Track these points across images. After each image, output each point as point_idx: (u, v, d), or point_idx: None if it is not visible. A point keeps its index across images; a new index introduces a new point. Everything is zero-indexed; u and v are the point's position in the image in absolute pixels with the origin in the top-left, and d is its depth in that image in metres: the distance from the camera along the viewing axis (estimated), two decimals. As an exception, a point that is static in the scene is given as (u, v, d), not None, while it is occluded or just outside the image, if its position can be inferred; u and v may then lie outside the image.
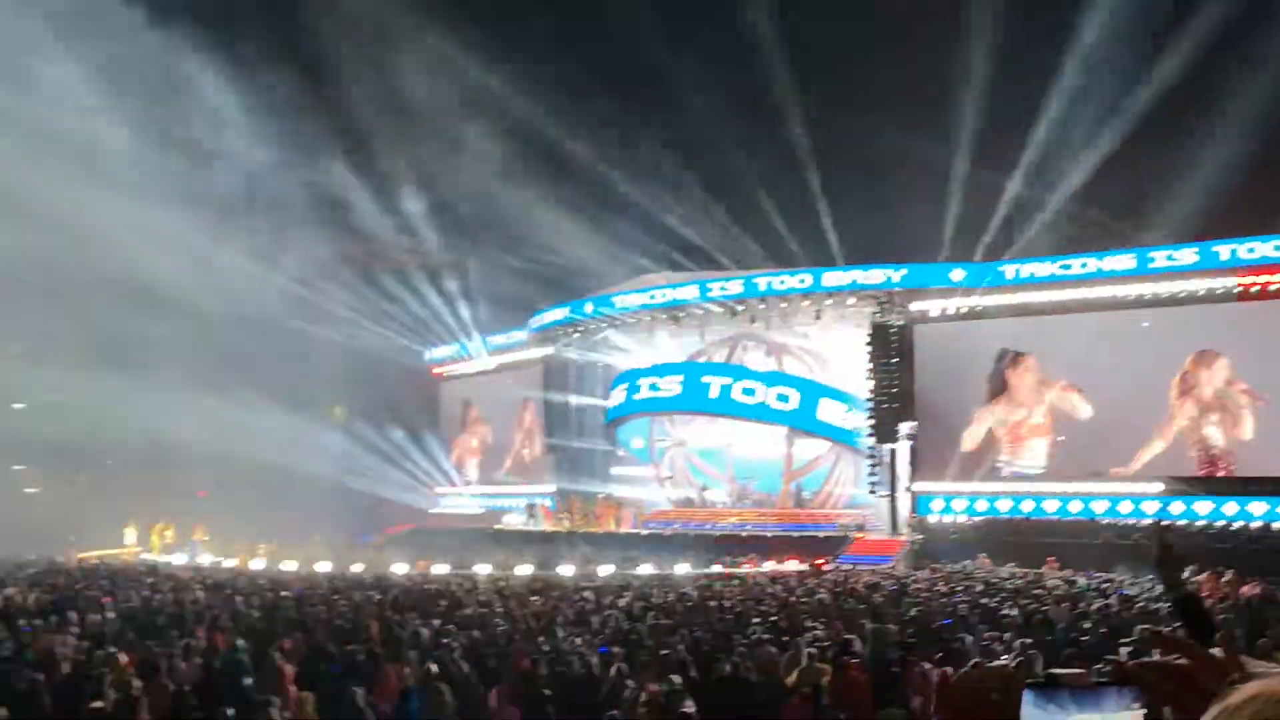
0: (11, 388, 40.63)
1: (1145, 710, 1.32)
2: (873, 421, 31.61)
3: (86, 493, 38.95)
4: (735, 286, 34.20)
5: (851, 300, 32.63)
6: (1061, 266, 29.03)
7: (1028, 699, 1.33)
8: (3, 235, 31.74)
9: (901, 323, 31.47)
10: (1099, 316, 28.31)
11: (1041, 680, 1.36)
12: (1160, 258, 27.84)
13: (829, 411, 34.92)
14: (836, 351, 36.48)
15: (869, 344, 32.02)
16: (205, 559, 31.89)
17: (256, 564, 29.75)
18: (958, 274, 30.46)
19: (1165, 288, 27.64)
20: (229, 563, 30.50)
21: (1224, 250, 26.85)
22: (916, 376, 30.99)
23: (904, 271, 31.34)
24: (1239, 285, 26.65)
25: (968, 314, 30.45)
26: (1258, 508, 26.02)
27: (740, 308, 34.83)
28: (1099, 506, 28.00)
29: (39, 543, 32.07)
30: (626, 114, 33.68)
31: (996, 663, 1.39)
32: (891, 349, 31.37)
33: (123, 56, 32.26)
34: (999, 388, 29.85)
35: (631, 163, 34.65)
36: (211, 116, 35.68)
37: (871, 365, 31.84)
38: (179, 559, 31.96)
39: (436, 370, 47.24)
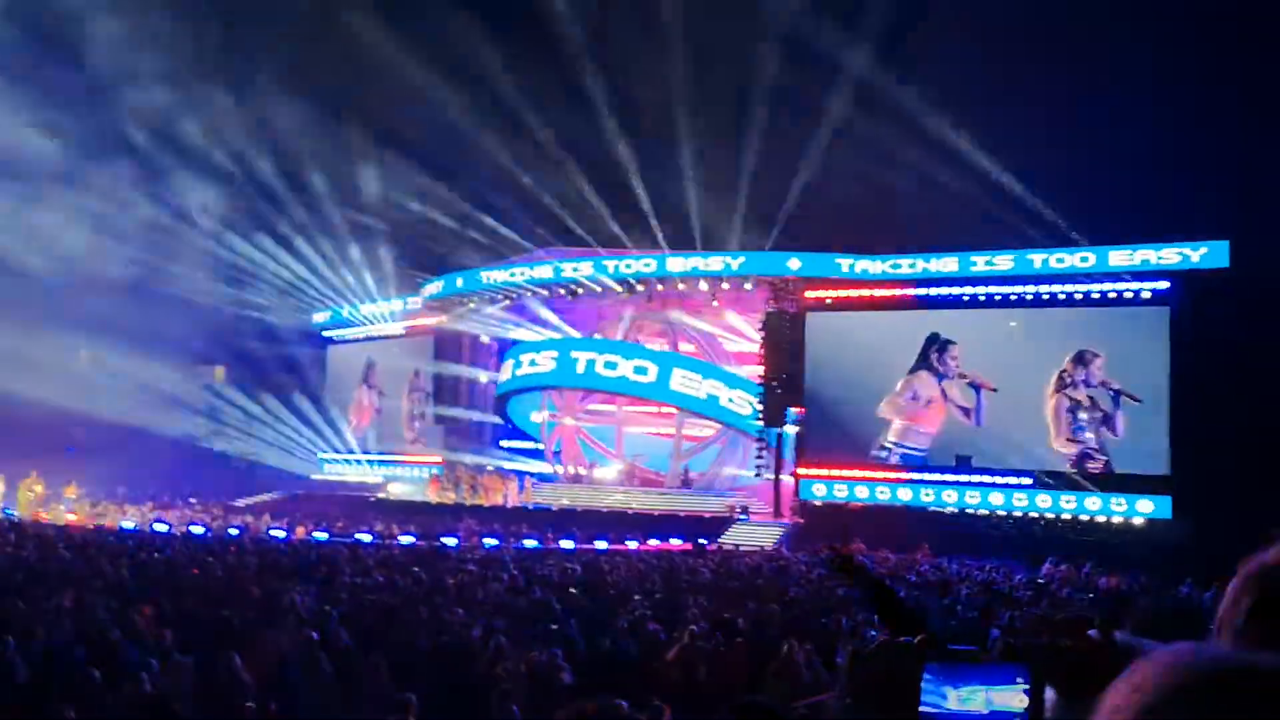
0: None
1: (1029, 686, 1.46)
2: (762, 405, 32.17)
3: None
4: (633, 265, 34.33)
5: (748, 286, 33.09)
6: (959, 263, 30.04)
7: (927, 671, 1.45)
8: None
9: (795, 310, 32.06)
10: (988, 313, 29.45)
11: (939, 654, 1.48)
12: (1038, 260, 29.12)
13: (685, 384, 35.48)
14: (732, 336, 37.05)
15: (762, 329, 32.55)
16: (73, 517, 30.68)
17: (127, 524, 28.76)
18: (853, 264, 31.25)
19: (1047, 289, 28.89)
20: (98, 522, 29.41)
21: (1118, 255, 28.12)
22: (806, 364, 31.64)
23: (799, 261, 31.91)
24: (1115, 291, 28.03)
25: (861, 304, 31.18)
26: (1119, 504, 27.43)
27: (639, 287, 35.03)
28: (972, 497, 29.09)
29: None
30: (527, 82, 33.10)
31: (900, 639, 1.50)
32: (784, 336, 31.93)
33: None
34: (921, 365, 30.52)
35: (537, 132, 34.20)
36: (86, 53, 34.02)
37: (764, 351, 32.40)
38: (50, 516, 30.71)
39: (325, 333, 46.20)
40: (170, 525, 28.45)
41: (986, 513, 28.80)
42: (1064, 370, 28.52)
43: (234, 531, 26.75)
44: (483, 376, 41.06)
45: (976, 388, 29.44)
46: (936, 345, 30.29)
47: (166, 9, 34.57)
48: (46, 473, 34.29)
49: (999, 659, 1.51)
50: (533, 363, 38.26)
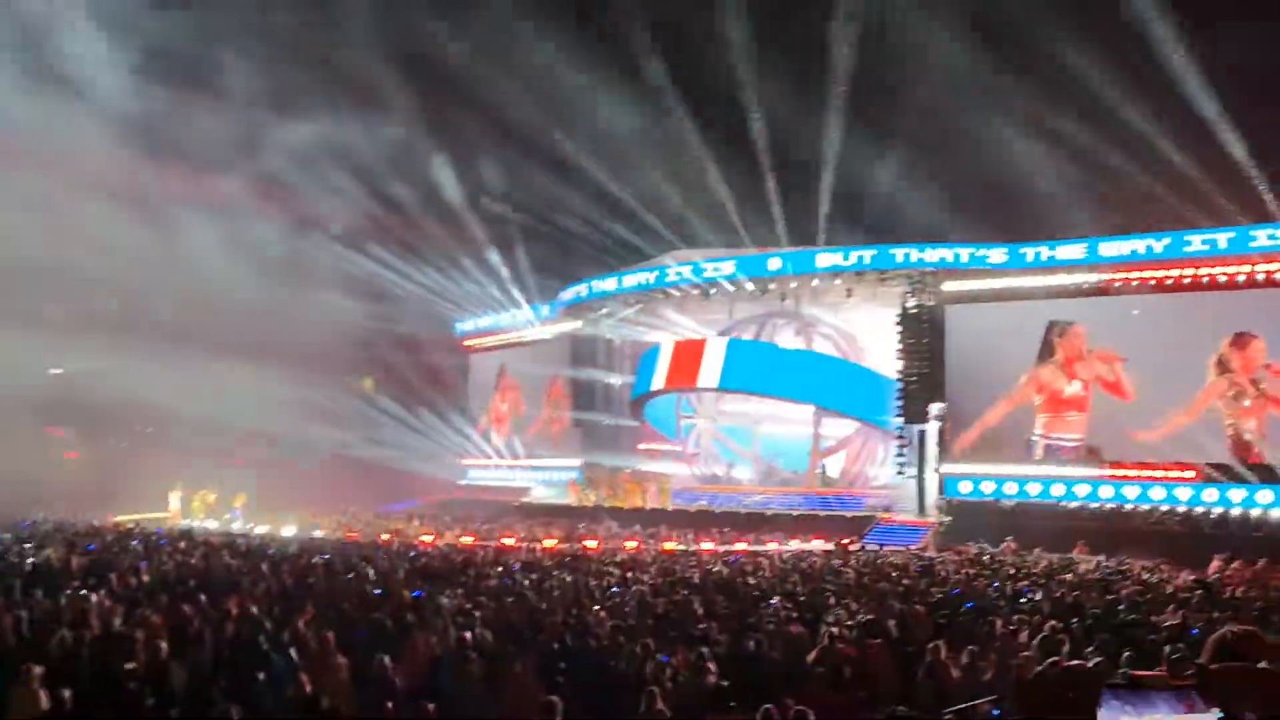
0: (50, 354, 41.23)
1: (1222, 715, 1.30)
2: (902, 402, 31.46)
3: (124, 458, 39.46)
4: (767, 264, 34.05)
5: (883, 280, 32.40)
6: (1096, 248, 28.76)
7: (1106, 698, 1.32)
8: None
9: (933, 303, 31.25)
10: (1133, 299, 28.09)
11: (1122, 681, 1.36)
12: (1196, 241, 27.55)
13: (854, 391, 34.84)
14: (867, 331, 36.33)
15: (899, 324, 31.83)
16: (243, 525, 32.35)
17: (288, 531, 30.12)
18: (995, 255, 30.23)
19: (1203, 272, 27.38)
20: (261, 529, 30.92)
21: (1261, 235, 26.48)
22: (947, 358, 30.81)
23: (938, 252, 31.07)
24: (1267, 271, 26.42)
25: (1002, 295, 30.18)
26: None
27: (771, 285, 34.74)
28: (1130, 492, 27.78)
29: (77, 506, 32.65)
30: (652, 91, 33.26)
31: (1076, 662, 1.39)
32: (922, 330, 31.17)
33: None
34: (1047, 355, 29.50)
35: (658, 139, 34.39)
36: (245, 77, 35.76)
37: (901, 346, 31.68)
38: (219, 525, 32.48)
39: (467, 343, 47.43)
40: (325, 532, 29.66)
41: (1148, 508, 27.43)
42: (1221, 354, 26.94)
43: (385, 537, 27.67)
44: (618, 380, 41.40)
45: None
46: (1057, 330, 29.24)
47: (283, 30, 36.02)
48: (215, 482, 36.30)
49: (1190, 684, 1.35)
50: (669, 366, 38.32)
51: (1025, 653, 9.12)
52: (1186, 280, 27.62)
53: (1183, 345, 27.16)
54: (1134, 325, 27.99)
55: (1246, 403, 26.72)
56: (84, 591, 13.01)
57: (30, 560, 17.26)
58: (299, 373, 39.81)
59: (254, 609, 12.07)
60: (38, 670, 8.18)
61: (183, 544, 21.68)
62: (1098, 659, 6.37)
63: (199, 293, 37.22)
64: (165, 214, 37.32)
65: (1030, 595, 14.08)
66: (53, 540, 21.61)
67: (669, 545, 26.29)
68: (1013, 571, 18.18)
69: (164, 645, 9.58)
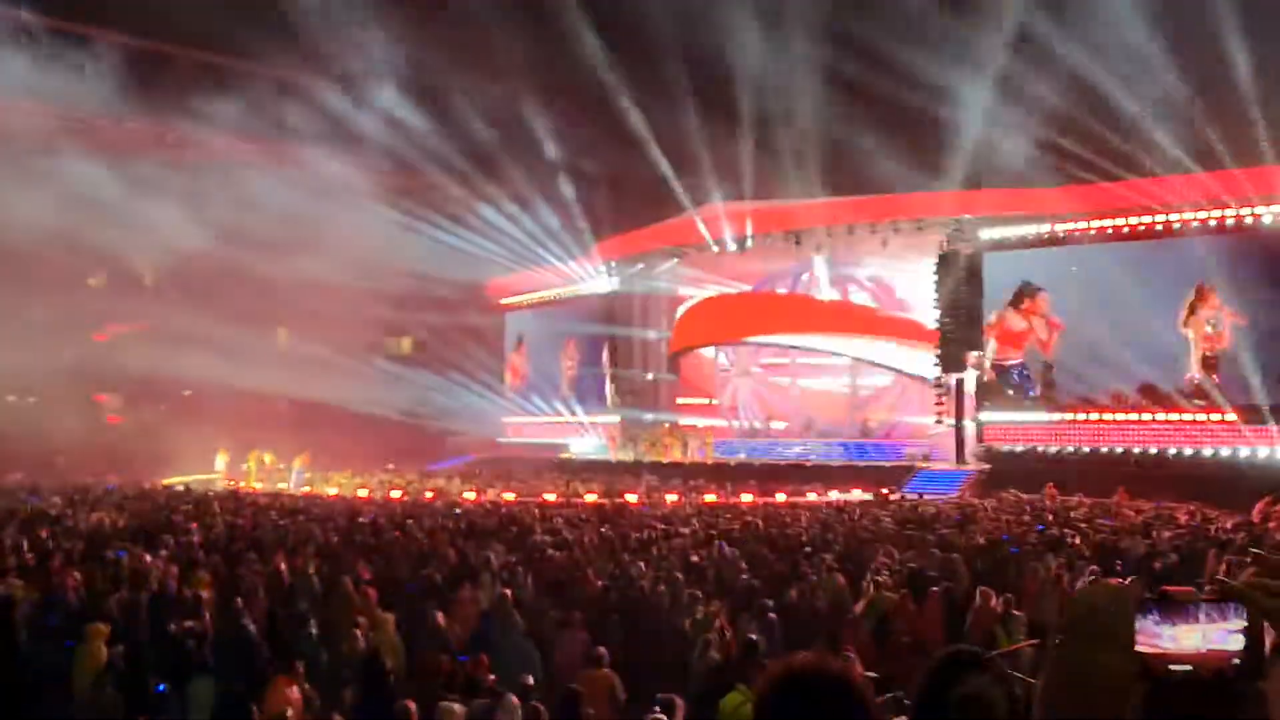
0: (93, 320, 41.92)
1: (1246, 625, 1.40)
2: (939, 351, 31.24)
3: (166, 422, 40.13)
4: (800, 214, 33.74)
5: (919, 228, 32.01)
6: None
7: (1140, 612, 1.41)
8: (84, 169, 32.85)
9: (971, 250, 30.89)
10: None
11: (1154, 596, 1.44)
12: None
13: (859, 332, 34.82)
14: (904, 280, 36.05)
15: (935, 272, 31.49)
16: (305, 486, 32.76)
17: (331, 491, 30.62)
18: (1031, 199, 29.61)
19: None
20: (305, 489, 31.44)
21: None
22: (985, 306, 30.54)
23: (973, 196, 30.57)
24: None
25: (1040, 241, 29.75)
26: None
27: (806, 236, 34.46)
28: (1169, 437, 27.39)
29: (125, 470, 33.35)
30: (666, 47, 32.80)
31: (1113, 579, 1.46)
32: (959, 278, 30.85)
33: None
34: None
35: (685, 91, 33.94)
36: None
37: (938, 294, 31.36)
38: (282, 485, 33.01)
39: (503, 300, 47.60)
40: (368, 490, 30.10)
41: (1191, 453, 27.09)
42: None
43: (428, 495, 28.06)
44: (655, 335, 41.44)
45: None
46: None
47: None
48: (257, 444, 36.88)
49: (1215, 599, 1.46)
50: (706, 318, 38.38)
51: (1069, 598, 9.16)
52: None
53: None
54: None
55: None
56: (140, 552, 13.36)
57: (84, 523, 17.71)
58: (336, 334, 40.16)
59: (304, 566, 12.35)
60: (103, 628, 8.45)
61: (232, 505, 22.15)
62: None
63: (231, 255, 37.52)
64: (195, 171, 37.68)
65: (1070, 539, 14.05)
66: (105, 504, 22.15)
67: (709, 498, 26.45)
68: (1051, 517, 18.15)
69: (219, 603, 9.85)
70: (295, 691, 7.10)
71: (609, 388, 41.31)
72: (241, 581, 11.09)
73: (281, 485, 33.28)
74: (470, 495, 28.00)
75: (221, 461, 36.85)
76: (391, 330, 49.34)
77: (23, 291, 34.90)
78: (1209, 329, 26.91)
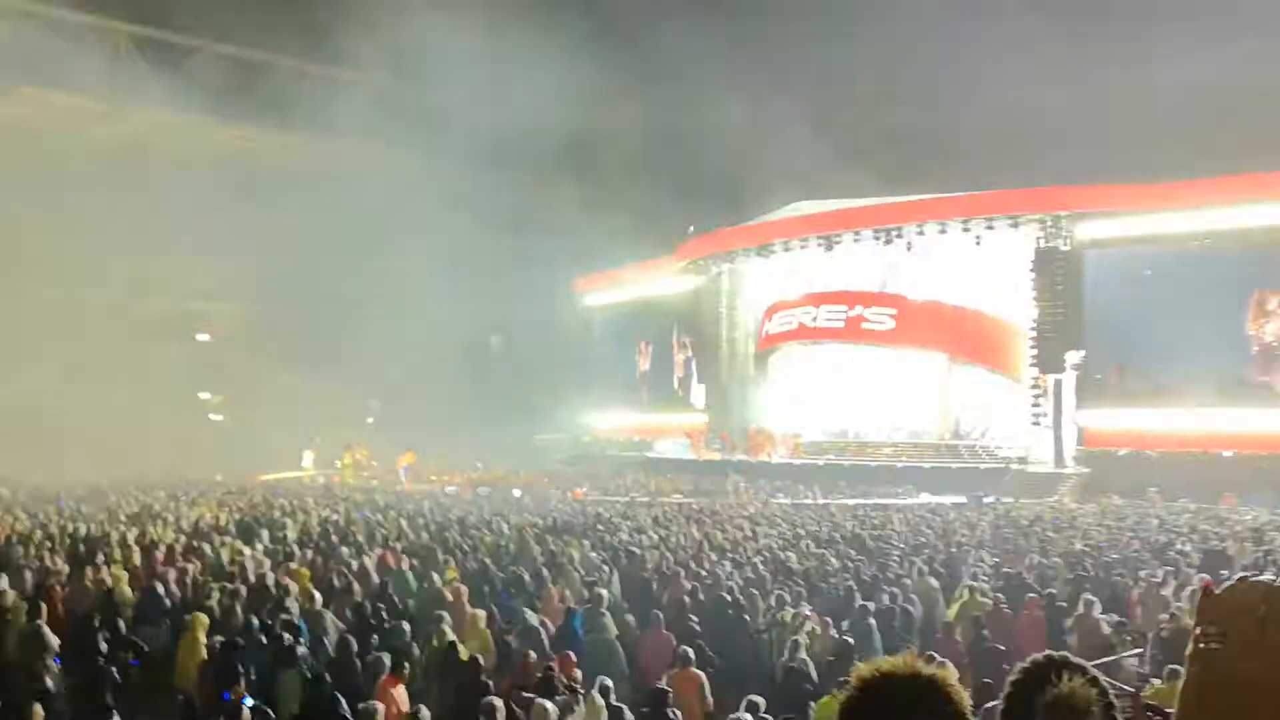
0: (196, 322, 43.34)
1: None
2: (1036, 350, 30.37)
3: (263, 421, 41.11)
4: (890, 212, 33.16)
5: (1014, 224, 31.17)
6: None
7: None
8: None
9: (1069, 248, 29.96)
10: None
11: None
12: None
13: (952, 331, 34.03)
14: (999, 277, 35.14)
15: (1033, 270, 30.60)
16: (409, 485, 33.19)
17: (421, 488, 31.06)
18: (1132, 195, 28.59)
19: None
20: (397, 487, 31.91)
21: None
22: (1085, 305, 29.55)
23: (1072, 192, 29.64)
24: None
25: (1141, 239, 28.68)
26: None
27: (896, 233, 33.83)
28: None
29: (225, 465, 34.36)
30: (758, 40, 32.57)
31: (1264, 577, 1.31)
32: (1057, 275, 29.95)
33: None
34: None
35: (769, 90, 33.68)
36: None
37: (1036, 293, 30.47)
38: (377, 482, 33.55)
39: (589, 300, 47.79)
40: (458, 488, 30.45)
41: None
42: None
43: (516, 493, 28.27)
44: (741, 333, 41.14)
45: None
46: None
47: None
48: (354, 441, 37.66)
49: None
50: (793, 318, 37.99)
51: (1174, 607, 8.78)
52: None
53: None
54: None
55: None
56: (238, 545, 13.71)
57: (187, 518, 18.25)
58: (422, 333, 40.73)
59: (396, 563, 12.52)
60: (204, 619, 8.66)
61: (327, 501, 22.62)
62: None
63: (323, 261, 38.34)
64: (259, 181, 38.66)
65: (1179, 547, 13.52)
66: (207, 499, 22.81)
67: (797, 500, 26.15)
68: (1157, 523, 17.50)
69: (316, 596, 10.03)
70: (402, 691, 7.15)
71: (695, 386, 41.17)
72: (335, 576, 11.28)
73: (374, 482, 33.83)
74: (557, 493, 28.15)
75: (309, 458, 37.65)
76: (482, 329, 49.90)
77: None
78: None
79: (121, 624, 9.16)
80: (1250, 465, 25.85)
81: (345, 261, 39.14)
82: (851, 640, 8.24)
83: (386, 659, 7.35)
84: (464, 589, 10.29)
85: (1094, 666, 1.54)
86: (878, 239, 34.25)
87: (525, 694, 6.87)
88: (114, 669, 7.64)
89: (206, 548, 13.43)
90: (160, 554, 12.80)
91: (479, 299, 43.52)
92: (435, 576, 11.08)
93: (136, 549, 13.11)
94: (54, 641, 8.31)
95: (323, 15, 36.39)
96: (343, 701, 6.48)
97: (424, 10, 33.55)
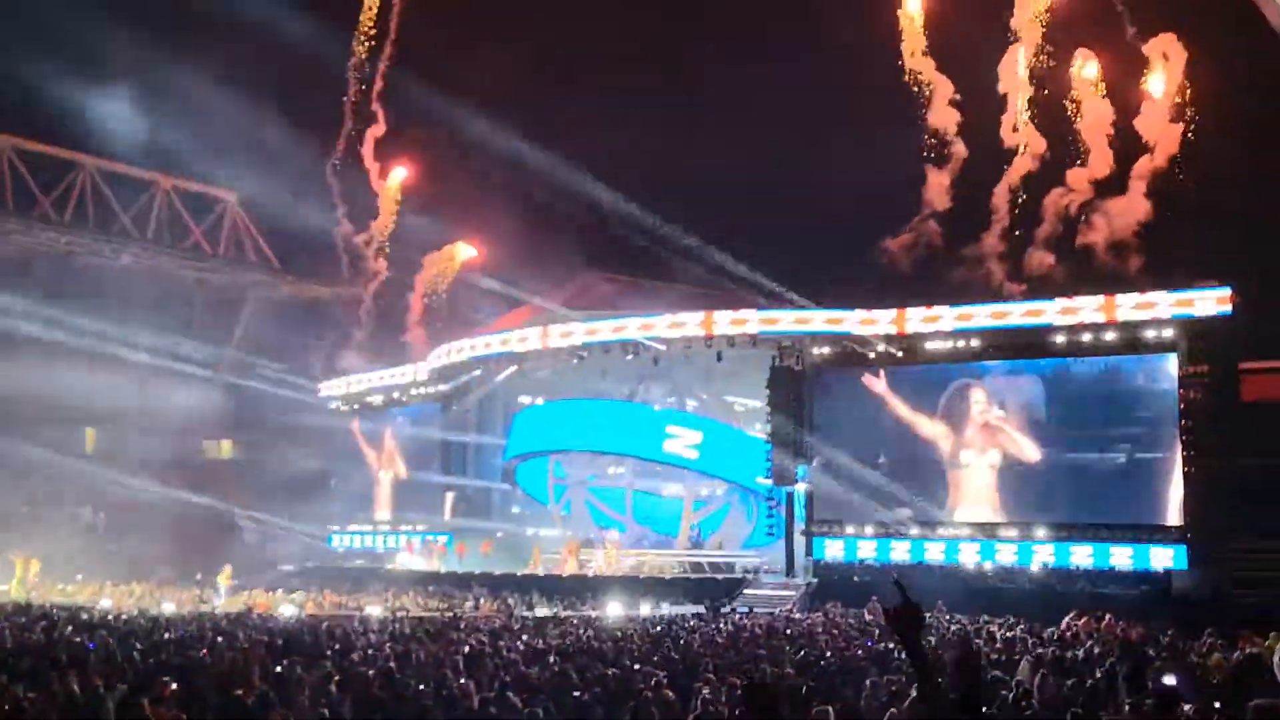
0: None
1: None
2: (770, 464, 31.82)
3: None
4: (637, 327, 34.13)
5: (752, 342, 32.78)
6: (960, 316, 29.63)
7: None
8: None
9: (801, 367, 31.83)
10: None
11: None
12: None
13: (728, 453, 35.24)
14: (739, 393, 36.92)
15: (768, 387, 32.24)
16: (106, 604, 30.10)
17: (129, 603, 28.45)
18: (863, 319, 30.90)
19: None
20: (105, 602, 29.03)
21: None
22: (817, 420, 31.42)
23: (808, 316, 31.67)
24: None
25: (864, 360, 30.99)
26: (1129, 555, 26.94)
27: (643, 348, 34.81)
28: (1005, 554, 28.54)
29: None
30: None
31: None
32: (791, 392, 31.68)
33: None
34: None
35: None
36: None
37: (770, 408, 32.05)
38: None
39: (334, 405, 46.12)
40: (175, 604, 28.13)
41: (1008, 568, 28.33)
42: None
43: (241, 607, 26.44)
44: (491, 441, 40.87)
45: None
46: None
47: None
48: (51, 555, 34.16)
49: None
50: (540, 427, 38.23)
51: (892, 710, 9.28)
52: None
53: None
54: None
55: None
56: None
57: None
58: (147, 434, 38.07)
59: (99, 686, 11.34)
60: None
61: (22, 619, 20.30)
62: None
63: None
64: None
65: (898, 654, 14.31)
66: None
67: (540, 610, 25.91)
68: (877, 632, 18.52)
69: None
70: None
71: (447, 496, 40.41)
72: (27, 702, 10.08)
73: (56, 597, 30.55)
74: (290, 609, 26.56)
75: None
76: (212, 432, 47.08)
77: None
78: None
79: None
80: (956, 576, 28.22)
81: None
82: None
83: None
84: (177, 715, 9.45)
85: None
86: (627, 352, 34.93)
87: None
88: None
89: None
90: None
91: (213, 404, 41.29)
92: (143, 703, 10.09)
93: None
94: None
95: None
96: None
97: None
